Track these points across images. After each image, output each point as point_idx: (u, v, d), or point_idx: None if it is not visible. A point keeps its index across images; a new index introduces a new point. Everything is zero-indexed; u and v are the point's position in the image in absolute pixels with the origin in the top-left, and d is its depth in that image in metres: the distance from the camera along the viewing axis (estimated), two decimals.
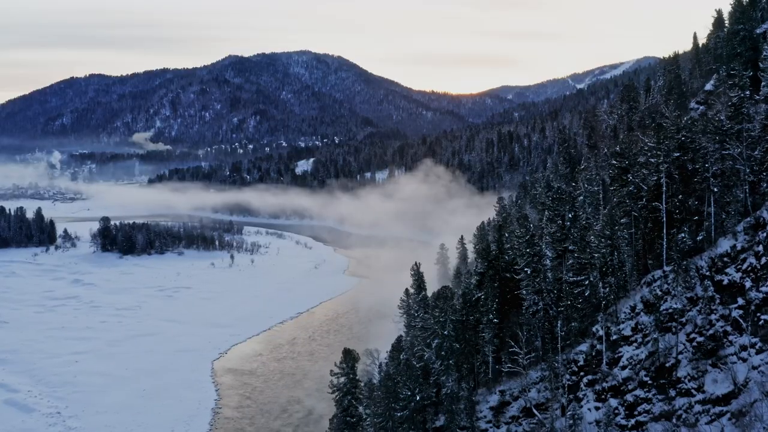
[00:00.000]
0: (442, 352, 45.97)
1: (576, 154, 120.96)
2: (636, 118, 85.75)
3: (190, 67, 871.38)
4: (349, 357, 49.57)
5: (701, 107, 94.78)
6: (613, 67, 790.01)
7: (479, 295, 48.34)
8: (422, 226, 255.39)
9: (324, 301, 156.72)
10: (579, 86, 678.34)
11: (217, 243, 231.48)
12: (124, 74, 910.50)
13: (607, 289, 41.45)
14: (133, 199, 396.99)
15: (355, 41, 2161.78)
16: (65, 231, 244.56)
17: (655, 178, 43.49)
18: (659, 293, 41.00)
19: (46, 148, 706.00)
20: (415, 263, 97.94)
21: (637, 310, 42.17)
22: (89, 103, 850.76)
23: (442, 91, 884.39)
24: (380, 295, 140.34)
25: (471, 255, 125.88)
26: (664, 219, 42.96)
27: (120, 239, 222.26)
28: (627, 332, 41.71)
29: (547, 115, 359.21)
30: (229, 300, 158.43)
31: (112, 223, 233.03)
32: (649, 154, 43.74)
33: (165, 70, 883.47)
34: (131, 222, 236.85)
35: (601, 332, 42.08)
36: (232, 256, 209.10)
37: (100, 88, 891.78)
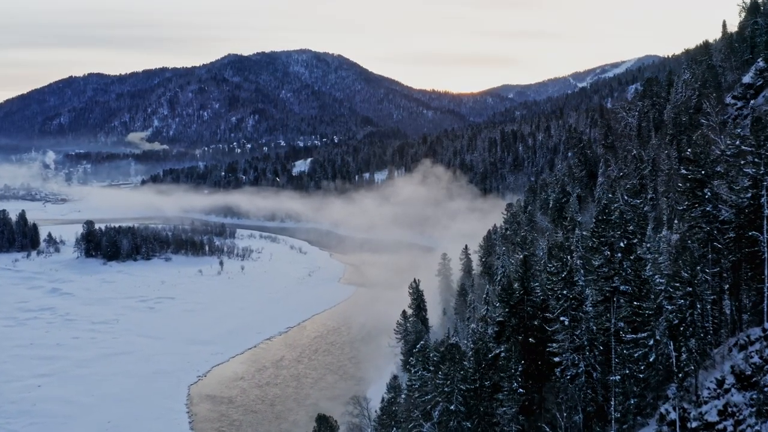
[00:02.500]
0: None
1: (592, 156, 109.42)
2: (671, 115, 73.98)
3: (189, 66, 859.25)
4: (325, 425, 38.13)
5: (739, 102, 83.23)
6: (615, 65, 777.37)
7: (498, 351, 36.60)
8: (422, 230, 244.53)
9: (317, 313, 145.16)
10: (580, 85, 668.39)
11: (206, 248, 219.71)
12: (123, 73, 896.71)
13: (684, 354, 29.76)
14: (125, 200, 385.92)
15: (355, 41, 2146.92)
16: (49, 235, 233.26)
17: (750, 195, 31.94)
18: (758, 361, 29.56)
19: (42, 148, 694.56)
20: (414, 280, 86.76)
21: (726, 386, 30.51)
22: (87, 103, 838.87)
23: (443, 90, 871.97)
24: (376, 308, 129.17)
25: (476, 267, 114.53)
26: (766, 254, 31.36)
27: (104, 244, 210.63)
28: (712, 417, 29.92)
29: (551, 114, 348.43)
30: (215, 312, 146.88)
31: (97, 226, 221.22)
32: (742, 162, 32.22)
33: (164, 69, 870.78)
34: (117, 226, 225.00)
35: (673, 414, 30.50)
36: (221, 263, 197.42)
37: (99, 87, 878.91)
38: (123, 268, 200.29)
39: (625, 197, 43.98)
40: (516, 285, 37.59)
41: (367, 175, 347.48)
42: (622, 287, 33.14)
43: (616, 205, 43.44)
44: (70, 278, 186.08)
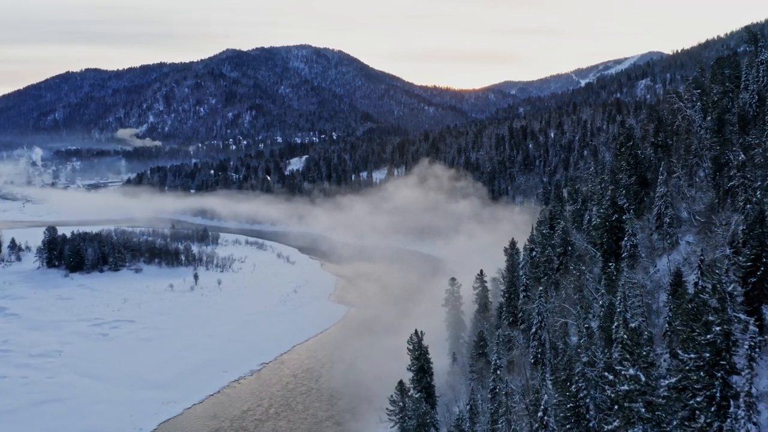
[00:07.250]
0: None
1: (643, 158, 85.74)
2: None
3: (187, 61, 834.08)
4: None
5: None
6: (618, 62, 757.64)
7: None
8: (424, 236, 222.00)
9: (298, 343, 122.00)
10: (583, 81, 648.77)
11: (183, 257, 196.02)
12: (121, 69, 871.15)
13: None
14: (108, 201, 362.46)
15: (356, 37, 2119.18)
16: (12, 241, 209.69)
17: None
18: None
19: (35, 145, 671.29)
20: (416, 333, 63.19)
21: None
22: (83, 98, 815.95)
23: (444, 86, 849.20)
24: (367, 342, 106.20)
25: (493, 297, 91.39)
26: None
27: (67, 253, 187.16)
28: None
29: (559, 109, 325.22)
30: (177, 341, 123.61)
31: (62, 232, 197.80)
32: None
33: (161, 65, 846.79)
34: (83, 232, 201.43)
35: None
36: (196, 276, 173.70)
37: (96, 83, 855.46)
38: (86, 281, 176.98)
39: None
40: None
41: (364, 174, 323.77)
42: None
43: None
44: (23, 294, 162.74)
